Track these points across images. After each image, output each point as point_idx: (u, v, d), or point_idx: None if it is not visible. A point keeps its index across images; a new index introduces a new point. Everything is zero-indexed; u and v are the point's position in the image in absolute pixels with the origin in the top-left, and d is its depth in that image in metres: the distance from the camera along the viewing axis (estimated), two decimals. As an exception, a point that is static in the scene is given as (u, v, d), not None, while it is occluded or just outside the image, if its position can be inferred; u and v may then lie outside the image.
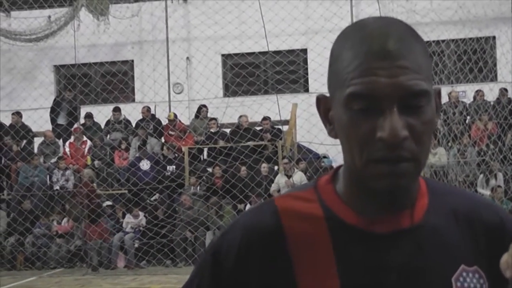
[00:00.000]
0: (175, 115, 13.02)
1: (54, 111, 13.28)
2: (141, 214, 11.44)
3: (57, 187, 12.17)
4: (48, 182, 12.39)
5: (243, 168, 11.53)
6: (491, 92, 12.47)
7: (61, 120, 13.23)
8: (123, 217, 11.62)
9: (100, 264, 11.08)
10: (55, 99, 13.51)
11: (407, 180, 0.94)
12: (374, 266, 0.97)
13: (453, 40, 12.36)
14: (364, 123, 0.92)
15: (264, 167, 11.52)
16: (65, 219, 11.79)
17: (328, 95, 1.01)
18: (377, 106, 0.91)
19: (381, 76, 0.91)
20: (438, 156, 11.13)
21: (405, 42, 0.93)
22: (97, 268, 10.89)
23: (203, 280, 1.04)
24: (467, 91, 13.28)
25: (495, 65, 13.52)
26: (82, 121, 13.60)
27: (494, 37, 13.71)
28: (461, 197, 1.06)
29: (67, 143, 13.14)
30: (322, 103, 1.01)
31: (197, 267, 1.08)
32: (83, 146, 12.88)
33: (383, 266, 0.97)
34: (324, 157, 11.96)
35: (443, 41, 12.36)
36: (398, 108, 0.91)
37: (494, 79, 13.06)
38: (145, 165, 12.02)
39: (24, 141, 13.18)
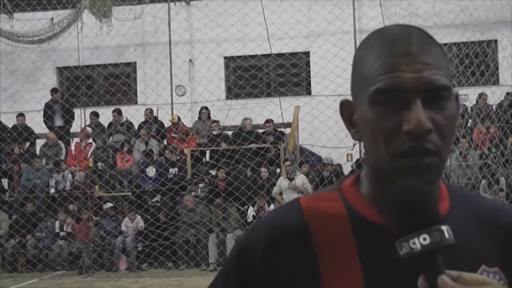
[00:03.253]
0: (179, 118, 13.04)
1: (46, 114, 13.25)
2: (138, 217, 11.43)
3: (53, 190, 12.17)
4: (50, 184, 12.41)
5: (248, 170, 11.55)
6: (493, 95, 12.48)
7: (58, 122, 13.23)
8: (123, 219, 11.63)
9: (102, 266, 11.09)
10: (46, 103, 13.47)
11: (432, 174, 0.97)
12: (395, 263, 0.97)
13: (455, 43, 12.36)
14: (389, 118, 0.96)
15: (264, 171, 11.52)
16: (67, 220, 11.79)
17: (351, 99, 1.05)
18: (401, 100, 0.95)
19: (405, 72, 0.96)
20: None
21: (426, 43, 0.99)
22: (87, 271, 10.85)
23: (229, 278, 1.06)
24: (469, 94, 13.28)
25: (497, 68, 13.52)
26: (86, 121, 13.61)
27: (496, 41, 13.71)
28: (481, 201, 1.10)
29: (73, 144, 13.16)
30: (346, 107, 1.05)
31: (223, 266, 1.11)
32: (87, 148, 12.90)
33: (402, 263, 0.98)
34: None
35: (445, 44, 12.36)
36: (422, 102, 0.95)
37: (496, 82, 13.06)
38: (151, 171, 12.07)
39: (27, 143, 13.19)
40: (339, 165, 11.89)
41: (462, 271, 0.93)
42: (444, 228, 0.89)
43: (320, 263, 1.01)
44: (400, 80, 0.95)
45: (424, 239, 0.88)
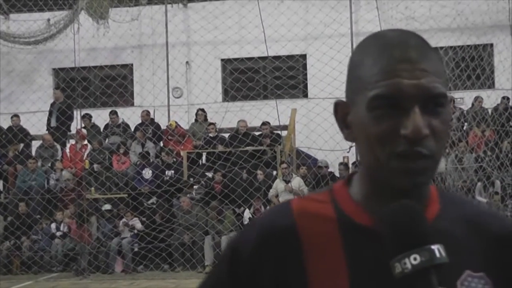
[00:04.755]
0: (177, 124, 13.02)
1: (51, 114, 13.25)
2: (135, 219, 11.43)
3: (51, 184, 12.18)
4: (46, 185, 12.39)
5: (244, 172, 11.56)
6: (488, 99, 12.52)
7: (53, 122, 13.22)
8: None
9: (97, 268, 11.07)
10: (53, 103, 13.47)
11: (424, 177, 0.99)
12: (383, 267, 0.99)
13: (451, 47, 12.41)
14: (387, 123, 0.98)
15: (260, 173, 11.53)
16: (65, 220, 11.77)
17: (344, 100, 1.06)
18: (400, 106, 0.97)
19: (404, 78, 0.97)
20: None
21: (424, 49, 1.01)
22: (82, 273, 10.85)
23: (221, 274, 1.08)
24: (464, 98, 13.32)
25: (492, 72, 13.57)
26: (80, 123, 13.59)
27: (491, 45, 13.77)
28: (472, 206, 1.11)
29: (68, 145, 13.14)
30: (340, 108, 1.06)
31: (215, 265, 1.13)
32: (83, 150, 12.88)
33: (389, 266, 1.00)
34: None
35: (441, 48, 12.40)
36: (420, 108, 0.97)
37: (491, 86, 13.11)
38: (147, 174, 12.07)
39: (22, 145, 13.16)
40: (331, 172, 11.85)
41: (446, 275, 0.95)
42: (435, 247, 0.91)
43: (308, 265, 1.02)
44: (400, 87, 0.96)
45: (415, 259, 0.90)
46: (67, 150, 13.02)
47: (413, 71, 0.97)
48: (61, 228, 11.68)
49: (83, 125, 13.43)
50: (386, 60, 0.98)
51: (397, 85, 0.97)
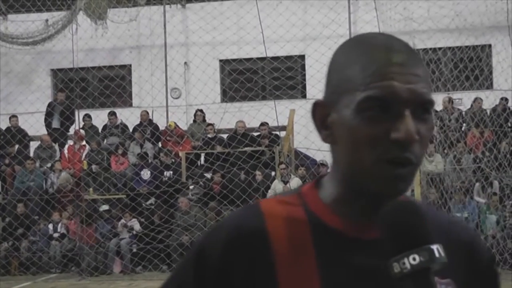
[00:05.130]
0: (176, 124, 13.02)
1: (51, 115, 13.24)
2: (134, 220, 11.42)
3: (52, 191, 12.17)
4: (44, 186, 12.38)
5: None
6: (487, 99, 12.52)
7: (56, 124, 13.21)
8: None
9: (96, 269, 11.06)
10: (50, 103, 13.46)
11: (407, 184, 0.98)
12: (353, 270, 1.00)
13: (449, 48, 12.42)
14: (377, 126, 0.96)
15: (259, 174, 11.52)
16: (61, 223, 11.76)
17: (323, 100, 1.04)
18: (391, 109, 0.96)
19: (399, 81, 0.96)
20: (435, 163, 11.15)
21: (415, 55, 1.00)
22: (81, 273, 10.84)
23: (186, 279, 1.05)
24: (463, 99, 13.33)
25: (491, 73, 13.58)
26: (80, 124, 13.58)
27: (490, 45, 13.78)
28: (437, 214, 1.11)
29: (66, 146, 13.13)
30: (319, 109, 1.04)
31: (179, 266, 1.09)
32: (81, 151, 12.87)
33: (361, 270, 1.00)
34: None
35: (440, 48, 12.42)
36: (411, 113, 0.96)
37: (490, 87, 13.11)
38: (145, 174, 12.06)
39: (17, 146, 13.14)
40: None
41: None
42: (434, 247, 0.90)
43: (278, 269, 1.00)
44: (394, 90, 0.95)
45: (414, 259, 0.89)
46: (66, 151, 13.01)
47: (406, 75, 0.96)
48: (59, 230, 11.67)
49: (81, 126, 13.42)
50: (380, 62, 0.97)
51: (391, 87, 0.95)
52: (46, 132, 13.26)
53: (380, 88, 0.96)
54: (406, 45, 1.01)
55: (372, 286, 1.00)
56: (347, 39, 1.06)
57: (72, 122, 13.38)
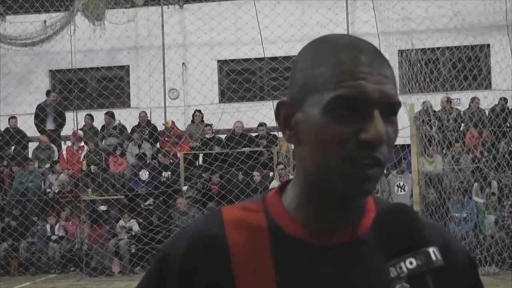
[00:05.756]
0: (173, 123, 13.02)
1: (38, 117, 13.18)
2: (133, 221, 11.42)
3: (50, 192, 12.16)
4: (43, 187, 12.37)
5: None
6: (485, 99, 12.53)
7: (50, 126, 13.18)
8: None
9: (95, 270, 11.06)
10: (39, 105, 13.38)
11: (374, 185, 0.97)
12: (312, 278, 0.98)
13: (448, 47, 12.42)
14: (345, 125, 0.94)
15: (257, 174, 11.52)
16: (58, 224, 11.75)
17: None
18: (360, 109, 0.94)
19: (369, 82, 0.94)
20: (434, 164, 11.16)
21: (381, 56, 0.99)
22: (91, 273, 10.87)
23: (150, 285, 1.05)
24: (461, 99, 13.34)
25: (489, 73, 13.59)
26: (77, 125, 13.58)
27: (488, 45, 13.78)
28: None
29: (64, 147, 13.12)
30: (284, 108, 1.02)
31: (146, 272, 1.09)
32: (80, 152, 12.87)
33: (320, 278, 0.99)
34: None
35: (438, 48, 12.42)
36: (379, 114, 0.95)
37: (488, 86, 13.13)
38: (144, 175, 12.06)
39: (13, 147, 13.12)
40: None
41: (377, 287, 0.93)
42: (430, 250, 0.89)
43: (237, 276, 1.00)
44: (364, 90, 0.93)
45: (411, 262, 0.88)
46: (64, 152, 13.00)
47: (376, 75, 0.95)
48: (56, 232, 11.66)
49: (80, 127, 13.41)
50: (349, 62, 0.95)
51: (361, 87, 0.94)
52: (43, 134, 13.25)
53: (350, 88, 0.94)
54: (373, 47, 0.99)
55: None
56: (313, 39, 1.04)
57: (65, 121, 13.32)
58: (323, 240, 1.00)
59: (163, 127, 13.07)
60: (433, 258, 0.88)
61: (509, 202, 10.87)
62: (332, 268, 0.99)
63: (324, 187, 0.97)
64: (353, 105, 0.94)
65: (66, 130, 13.49)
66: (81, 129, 13.38)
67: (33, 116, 13.36)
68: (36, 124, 13.23)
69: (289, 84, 1.03)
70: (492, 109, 12.28)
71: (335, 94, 0.94)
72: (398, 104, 0.97)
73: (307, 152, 0.98)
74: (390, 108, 0.96)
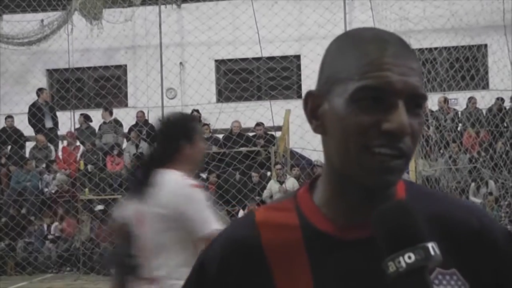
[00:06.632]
0: None
1: (36, 116, 13.11)
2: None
3: (48, 192, 12.14)
4: (40, 186, 12.35)
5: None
6: (482, 99, 12.55)
7: (49, 124, 13.14)
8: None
9: (92, 269, 11.05)
10: (34, 104, 13.29)
11: (396, 177, 0.97)
12: (346, 273, 0.99)
13: (445, 47, 12.42)
14: (367, 115, 0.95)
15: (254, 174, 11.52)
16: (55, 224, 11.74)
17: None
18: (384, 100, 0.95)
19: (394, 73, 0.95)
20: (435, 168, 11.16)
21: (408, 48, 0.99)
22: (88, 273, 10.86)
23: None
24: (459, 99, 13.35)
25: (486, 73, 13.59)
26: (74, 125, 13.56)
27: (486, 45, 13.80)
28: (440, 200, 1.07)
29: (60, 147, 13.09)
30: (311, 99, 1.03)
31: (185, 281, 1.11)
32: (76, 151, 12.84)
33: (355, 272, 0.99)
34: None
35: (435, 48, 12.43)
36: (404, 105, 0.95)
37: (485, 87, 13.13)
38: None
39: (9, 146, 13.08)
40: None
41: None
42: (429, 245, 0.89)
43: (275, 278, 1.01)
44: (389, 81, 0.94)
45: (409, 257, 0.88)
46: (60, 152, 12.97)
47: (401, 67, 0.95)
48: (52, 232, 11.64)
49: (77, 126, 13.39)
50: (375, 53, 0.96)
51: (386, 78, 0.94)
52: (41, 133, 13.22)
53: (375, 78, 0.94)
54: (400, 39, 1.00)
55: (364, 287, 0.98)
56: (341, 33, 1.05)
57: (57, 123, 13.26)
58: (354, 234, 1.00)
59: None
60: (432, 253, 0.89)
61: (506, 202, 10.88)
62: (363, 261, 0.99)
63: (348, 178, 0.98)
64: (377, 95, 0.94)
65: (63, 130, 13.47)
66: (77, 129, 13.35)
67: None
68: (33, 124, 13.15)
69: (318, 76, 1.04)
70: (490, 109, 12.29)
71: (359, 85, 0.95)
72: (423, 97, 0.96)
73: (332, 143, 0.99)
74: (415, 100, 0.96)
